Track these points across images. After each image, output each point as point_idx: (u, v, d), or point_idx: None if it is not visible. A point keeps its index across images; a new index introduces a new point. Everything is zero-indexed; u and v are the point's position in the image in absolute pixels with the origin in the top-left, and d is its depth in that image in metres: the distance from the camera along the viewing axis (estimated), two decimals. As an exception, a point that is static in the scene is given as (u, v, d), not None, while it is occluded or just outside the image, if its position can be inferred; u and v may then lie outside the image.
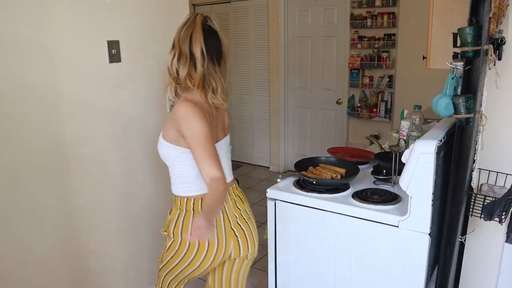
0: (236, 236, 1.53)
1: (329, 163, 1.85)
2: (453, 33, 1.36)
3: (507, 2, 1.42)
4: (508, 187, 1.50)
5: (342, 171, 1.75)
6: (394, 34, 3.96)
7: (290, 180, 1.79)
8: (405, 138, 2.07)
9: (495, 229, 1.64)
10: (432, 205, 1.39)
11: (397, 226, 1.45)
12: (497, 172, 1.60)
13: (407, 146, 1.94)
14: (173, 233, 1.51)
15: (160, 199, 2.37)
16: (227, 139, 1.58)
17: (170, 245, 1.53)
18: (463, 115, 1.27)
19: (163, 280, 1.60)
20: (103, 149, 2.05)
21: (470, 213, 1.53)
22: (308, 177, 1.69)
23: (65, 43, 1.85)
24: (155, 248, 2.42)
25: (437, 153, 1.36)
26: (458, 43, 1.29)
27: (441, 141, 1.41)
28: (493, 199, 1.43)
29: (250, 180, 4.67)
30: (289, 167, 4.94)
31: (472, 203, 1.51)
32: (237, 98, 5.13)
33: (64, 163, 1.91)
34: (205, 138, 1.35)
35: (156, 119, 2.28)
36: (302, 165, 1.81)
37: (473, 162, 1.56)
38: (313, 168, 1.78)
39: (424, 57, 2.04)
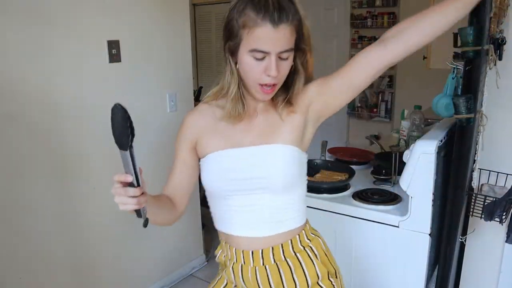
0: None
1: (328, 168, 1.85)
2: (453, 33, 1.36)
3: (508, 2, 1.41)
4: (509, 187, 1.50)
5: (344, 176, 1.74)
6: (394, 34, 3.96)
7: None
8: (405, 138, 2.06)
9: (496, 230, 1.64)
10: (433, 205, 1.39)
11: (398, 226, 1.45)
12: (498, 172, 1.60)
13: (407, 146, 1.94)
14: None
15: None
16: None
17: None
18: (463, 115, 1.27)
19: None
20: (103, 149, 2.05)
21: (471, 213, 1.53)
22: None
23: (65, 43, 1.85)
24: (157, 248, 2.43)
25: (438, 153, 1.36)
26: (459, 43, 1.29)
27: (441, 141, 1.41)
28: (494, 199, 1.43)
29: (250, 180, 4.66)
30: (289, 167, 4.94)
31: (472, 203, 1.51)
32: (237, 98, 5.12)
33: (64, 163, 1.91)
34: None
35: (156, 119, 2.28)
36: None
37: (474, 162, 1.56)
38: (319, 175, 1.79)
39: (424, 57, 2.04)
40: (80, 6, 1.88)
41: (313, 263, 1.10)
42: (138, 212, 0.94)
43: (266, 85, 0.98)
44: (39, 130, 1.81)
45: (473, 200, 1.50)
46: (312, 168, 1.84)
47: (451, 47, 1.42)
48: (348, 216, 1.55)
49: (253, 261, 1.07)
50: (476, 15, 1.24)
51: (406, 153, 1.42)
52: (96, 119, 2.00)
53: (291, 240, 1.09)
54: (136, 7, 2.12)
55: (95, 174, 2.04)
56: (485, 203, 1.46)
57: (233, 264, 1.10)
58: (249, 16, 0.92)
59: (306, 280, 1.08)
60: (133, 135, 0.80)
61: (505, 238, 1.58)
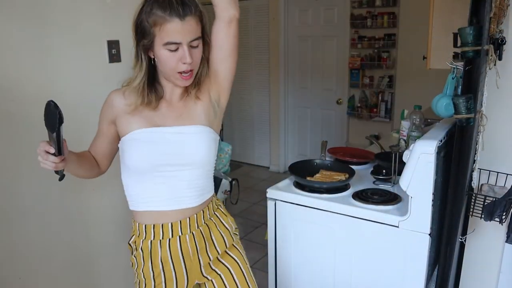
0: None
1: (328, 168, 1.85)
2: (453, 33, 1.36)
3: (508, 2, 1.42)
4: (509, 187, 1.50)
5: (344, 176, 1.74)
6: (394, 34, 3.96)
7: (290, 180, 1.79)
8: (405, 138, 2.06)
9: (496, 230, 1.64)
10: (432, 205, 1.39)
11: (397, 226, 1.45)
12: (498, 172, 1.60)
13: (407, 146, 1.94)
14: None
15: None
16: None
17: None
18: (463, 115, 1.27)
19: None
20: (103, 149, 2.05)
21: (471, 213, 1.53)
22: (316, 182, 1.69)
23: (65, 42, 1.84)
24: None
25: (438, 153, 1.36)
26: (459, 43, 1.29)
27: (441, 141, 1.41)
28: (494, 199, 1.43)
29: (250, 180, 4.67)
30: (289, 167, 4.95)
31: (472, 203, 1.51)
32: (237, 98, 5.13)
33: (64, 163, 1.91)
34: None
35: (156, 119, 2.28)
36: (298, 167, 1.79)
37: (474, 162, 1.56)
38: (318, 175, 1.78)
39: (424, 57, 2.04)
40: (80, 6, 1.88)
41: (222, 222, 1.33)
42: (56, 171, 1.19)
43: (184, 72, 1.14)
44: (39, 130, 1.80)
45: (473, 200, 1.51)
46: (312, 168, 1.84)
47: (451, 47, 1.42)
48: (348, 216, 1.55)
49: (181, 230, 1.22)
50: (476, 15, 1.25)
51: (406, 153, 1.42)
52: (96, 119, 2.00)
53: (207, 207, 1.29)
54: (136, 7, 2.11)
55: (95, 174, 2.04)
56: (485, 203, 1.46)
57: (160, 242, 1.21)
58: (157, 15, 1.07)
59: (222, 236, 1.30)
60: (61, 122, 1.11)
61: (505, 238, 1.58)
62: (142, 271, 1.22)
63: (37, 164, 1.80)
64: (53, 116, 1.09)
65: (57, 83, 1.84)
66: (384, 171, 1.80)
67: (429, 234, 1.40)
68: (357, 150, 2.25)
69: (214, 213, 1.32)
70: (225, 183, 3.48)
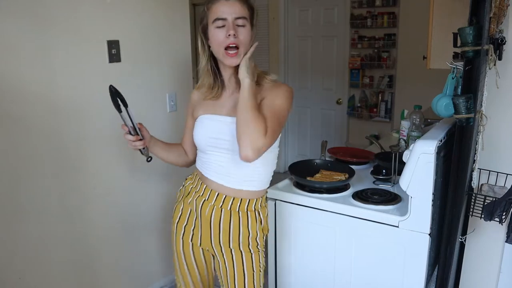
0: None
1: (328, 168, 1.85)
2: (453, 33, 1.36)
3: (508, 2, 1.41)
4: (509, 187, 1.50)
5: (344, 176, 1.74)
6: (394, 34, 3.96)
7: (290, 180, 1.79)
8: (405, 138, 2.07)
9: (496, 229, 1.64)
10: (432, 205, 1.39)
11: (397, 226, 1.45)
12: (498, 172, 1.60)
13: (407, 146, 1.94)
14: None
15: (162, 198, 2.37)
16: None
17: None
18: (463, 115, 1.27)
19: None
20: (103, 149, 2.05)
21: (471, 213, 1.53)
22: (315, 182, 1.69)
23: (65, 42, 1.85)
24: (157, 248, 2.43)
25: (437, 153, 1.36)
26: (458, 43, 1.29)
27: (441, 141, 1.41)
28: (494, 199, 1.43)
29: (250, 180, 4.66)
30: (289, 167, 4.94)
31: (472, 203, 1.51)
32: (237, 98, 5.12)
33: (64, 163, 1.91)
34: None
35: (156, 119, 2.28)
36: (298, 167, 1.79)
37: (474, 162, 1.56)
38: (318, 176, 1.78)
39: (424, 57, 2.04)
40: (80, 6, 1.88)
41: (257, 224, 1.42)
42: (140, 151, 1.44)
43: (229, 47, 1.25)
44: (39, 130, 1.81)
45: (473, 200, 1.51)
46: (312, 168, 1.84)
47: (451, 47, 1.42)
48: (348, 216, 1.55)
49: (215, 201, 1.38)
50: (476, 15, 1.25)
51: (406, 153, 1.42)
52: (96, 119, 2.00)
53: (249, 200, 1.39)
54: (136, 7, 2.12)
55: (96, 174, 2.04)
56: (485, 203, 1.46)
57: (198, 196, 1.42)
58: (209, 1, 1.27)
59: (249, 234, 1.40)
60: (124, 104, 1.29)
61: (505, 238, 1.58)
62: (177, 204, 1.52)
63: (36, 163, 1.81)
64: (114, 100, 1.27)
65: (57, 83, 1.84)
66: (384, 171, 1.80)
67: (429, 234, 1.40)
68: (357, 150, 2.25)
69: (247, 211, 1.40)
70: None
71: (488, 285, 1.74)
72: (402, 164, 1.46)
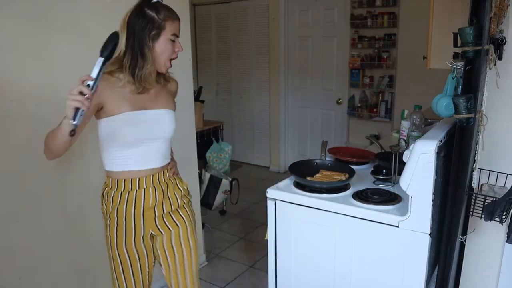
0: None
1: (328, 168, 1.85)
2: (453, 33, 1.36)
3: (508, 2, 1.42)
4: (509, 187, 1.50)
5: (344, 176, 1.74)
6: (394, 34, 3.96)
7: (290, 180, 1.79)
8: (405, 138, 2.07)
9: (496, 229, 1.64)
10: (433, 205, 1.39)
11: (398, 226, 1.45)
12: (498, 172, 1.60)
13: (407, 146, 1.94)
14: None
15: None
16: None
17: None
18: (463, 115, 1.27)
19: None
20: (103, 149, 2.05)
21: (471, 213, 1.53)
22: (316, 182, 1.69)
23: (65, 43, 1.85)
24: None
25: (438, 153, 1.36)
26: (459, 43, 1.29)
27: (441, 141, 1.41)
28: (494, 199, 1.43)
29: (250, 180, 4.67)
30: (289, 167, 4.95)
31: (472, 203, 1.51)
32: (237, 98, 5.13)
33: (64, 163, 1.91)
34: None
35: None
36: (298, 167, 1.79)
37: (474, 162, 1.56)
38: (318, 175, 1.78)
39: (424, 57, 2.04)
40: (80, 5, 1.88)
41: (177, 185, 1.62)
42: (75, 114, 1.24)
43: (173, 59, 1.49)
44: (39, 130, 1.81)
45: (473, 200, 1.51)
46: (312, 168, 1.84)
47: (451, 47, 1.42)
48: (348, 216, 1.55)
49: (146, 183, 1.51)
50: (476, 15, 1.25)
51: (406, 153, 1.42)
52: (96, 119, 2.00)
53: (165, 170, 1.58)
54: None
55: (96, 174, 2.04)
56: (485, 203, 1.46)
57: (128, 193, 1.50)
58: (166, 14, 1.42)
59: (175, 195, 1.60)
60: (112, 53, 1.29)
61: (505, 238, 1.58)
62: (110, 216, 1.52)
63: (36, 163, 1.81)
64: (109, 45, 1.28)
65: (57, 83, 1.84)
66: (384, 171, 1.80)
67: (429, 234, 1.40)
68: (357, 150, 2.25)
69: (173, 176, 1.62)
70: (225, 183, 3.48)
71: (488, 285, 1.74)
72: (402, 164, 1.46)
